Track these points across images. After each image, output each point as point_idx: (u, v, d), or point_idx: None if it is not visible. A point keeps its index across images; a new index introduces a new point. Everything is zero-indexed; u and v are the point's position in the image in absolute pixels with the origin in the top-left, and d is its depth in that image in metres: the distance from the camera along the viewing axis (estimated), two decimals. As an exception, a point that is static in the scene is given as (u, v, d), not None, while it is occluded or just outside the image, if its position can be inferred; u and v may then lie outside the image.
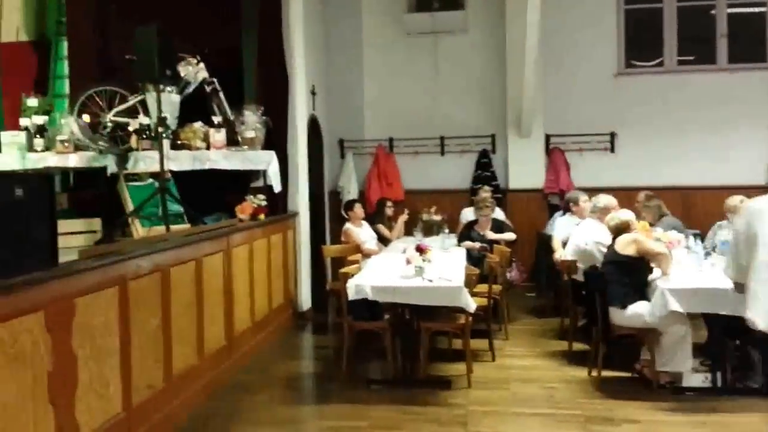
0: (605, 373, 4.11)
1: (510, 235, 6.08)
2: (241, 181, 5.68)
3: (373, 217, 6.80)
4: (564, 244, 5.37)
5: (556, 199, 7.58)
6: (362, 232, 6.18)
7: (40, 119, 5.07)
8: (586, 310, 4.69)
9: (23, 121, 5.13)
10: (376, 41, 8.18)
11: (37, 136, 4.99)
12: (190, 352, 3.75)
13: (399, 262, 4.58)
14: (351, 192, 7.69)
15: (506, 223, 6.43)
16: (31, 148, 4.96)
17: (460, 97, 8.10)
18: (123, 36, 5.13)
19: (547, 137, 7.88)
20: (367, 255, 5.64)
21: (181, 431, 3.44)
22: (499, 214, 6.61)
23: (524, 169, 7.90)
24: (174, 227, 4.44)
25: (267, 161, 5.57)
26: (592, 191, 5.78)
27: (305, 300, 6.22)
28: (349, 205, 6.39)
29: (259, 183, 5.71)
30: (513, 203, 7.80)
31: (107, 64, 6.18)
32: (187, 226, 4.70)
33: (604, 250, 4.43)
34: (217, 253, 4.32)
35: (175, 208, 4.79)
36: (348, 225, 6.20)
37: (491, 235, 5.99)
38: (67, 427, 2.50)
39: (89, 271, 2.76)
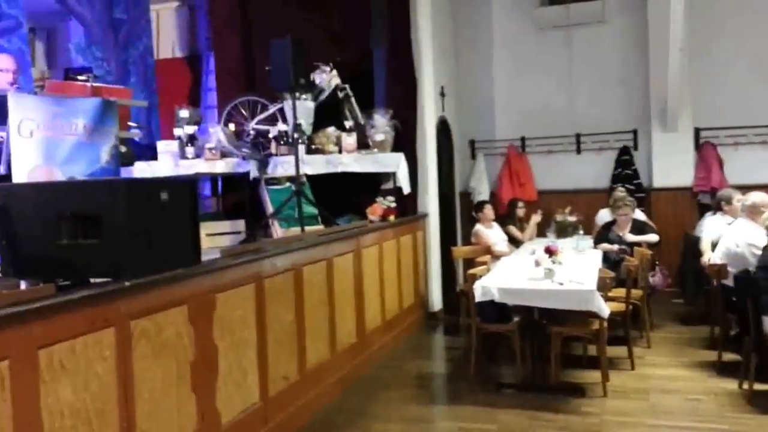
0: (758, 387, 3.70)
1: (652, 237, 5.67)
2: (372, 184, 5.81)
3: (504, 218, 6.66)
4: (714, 246, 4.91)
5: (706, 198, 6.96)
6: (492, 234, 6.07)
7: (191, 129, 5.51)
8: (738, 318, 4.25)
9: (176, 131, 5.60)
10: (507, 38, 8.00)
11: (188, 144, 5.43)
12: (322, 348, 3.89)
13: (528, 263, 4.43)
14: (482, 193, 7.58)
15: (648, 224, 6.01)
16: (183, 155, 5.40)
17: (598, 91, 7.69)
18: (264, 49, 5.47)
19: (697, 131, 7.25)
20: (497, 256, 5.53)
21: (314, 423, 3.57)
22: (639, 214, 6.19)
23: (670, 166, 7.33)
24: (309, 228, 4.64)
25: (396, 163, 5.64)
26: (747, 189, 5.23)
27: (436, 301, 6.22)
28: (479, 206, 6.31)
29: (389, 185, 5.80)
30: (657, 203, 7.27)
31: (250, 76, 6.59)
32: (320, 227, 4.89)
33: (758, 252, 4.00)
34: (348, 253, 4.44)
35: (310, 210, 5.00)
36: (478, 226, 6.12)
37: (631, 237, 5.63)
38: (209, 414, 2.68)
39: (229, 268, 2.95)
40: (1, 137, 3.26)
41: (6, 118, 3.15)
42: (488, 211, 6.14)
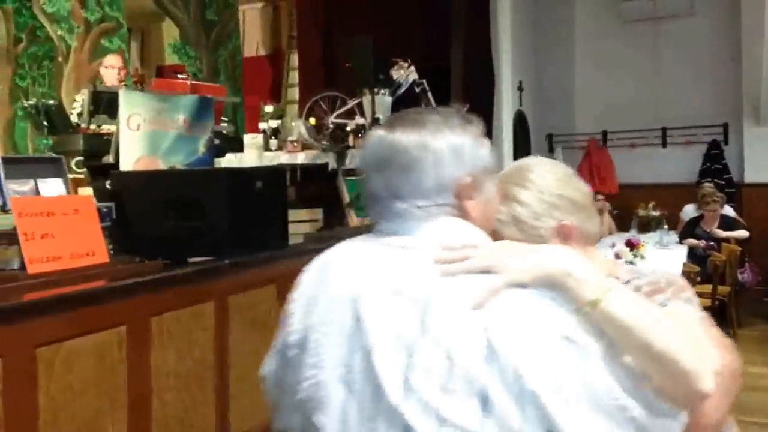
0: None
1: (742, 233, 5.49)
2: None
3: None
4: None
5: (801, 194, 6.63)
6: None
7: (274, 123, 5.79)
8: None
9: (261, 125, 5.90)
10: (589, 31, 7.87)
11: (272, 137, 5.71)
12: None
13: (608, 256, 4.41)
14: (559, 187, 7.50)
15: (738, 221, 5.81)
16: (267, 148, 5.69)
17: (685, 85, 7.45)
18: (344, 47, 5.66)
19: (792, 125, 6.92)
20: (574, 250, 5.49)
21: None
22: (728, 210, 5.99)
23: (763, 161, 7.01)
24: (385, 218, 4.79)
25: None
26: None
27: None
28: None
29: (465, 178, 5.87)
30: (748, 199, 6.98)
31: (331, 72, 6.82)
32: (396, 217, 5.03)
33: None
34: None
35: (386, 200, 5.15)
36: (554, 220, 6.08)
37: (720, 233, 5.47)
38: (294, 386, 2.87)
39: (313, 252, 3.11)
40: (112, 130, 3.58)
41: (116, 113, 3.45)
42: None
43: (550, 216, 1.18)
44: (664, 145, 7.47)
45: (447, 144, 1.01)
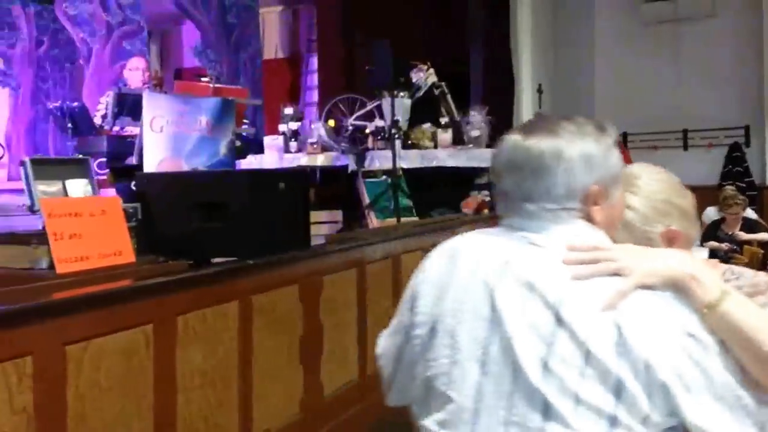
0: None
1: (764, 236, 5.44)
2: (466, 178, 5.90)
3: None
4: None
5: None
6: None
7: (294, 125, 5.83)
8: None
9: (281, 127, 5.94)
10: (610, 33, 7.82)
11: (292, 139, 5.75)
12: (417, 335, 4.02)
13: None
14: (578, 190, 7.47)
15: (760, 223, 5.75)
16: (287, 149, 5.73)
17: (706, 86, 7.38)
18: (364, 50, 5.69)
19: (815, 127, 6.82)
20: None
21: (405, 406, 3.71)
22: (750, 213, 5.93)
23: (785, 163, 6.94)
24: (404, 219, 4.81)
25: (491, 159, 5.70)
26: None
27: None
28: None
29: (483, 179, 5.86)
30: (770, 202, 6.90)
31: (350, 75, 6.85)
32: (415, 218, 5.05)
33: None
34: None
35: (405, 202, 5.16)
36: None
37: (743, 236, 5.42)
38: (314, 386, 2.88)
39: (335, 253, 3.15)
40: (135, 132, 3.63)
41: (140, 115, 3.50)
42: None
43: (659, 221, 1.27)
44: (686, 147, 7.40)
45: (579, 153, 1.08)
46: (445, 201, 5.69)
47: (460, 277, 1.11)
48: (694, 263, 1.06)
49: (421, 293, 1.16)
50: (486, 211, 5.54)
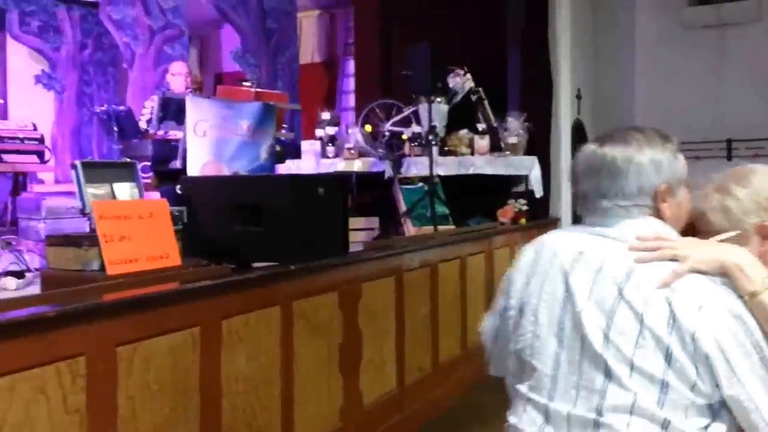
0: None
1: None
2: (502, 186, 5.84)
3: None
4: None
5: None
6: (628, 240, 5.88)
7: (331, 130, 5.85)
8: None
9: (318, 132, 5.97)
10: (650, 39, 7.68)
11: (329, 144, 5.77)
12: (454, 344, 4.00)
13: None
14: (616, 198, 7.34)
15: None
16: (324, 154, 5.75)
17: (752, 94, 7.17)
18: (401, 54, 5.68)
19: None
20: (633, 264, 5.36)
21: (445, 416, 3.69)
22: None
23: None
24: (441, 227, 4.78)
25: (529, 167, 5.64)
26: None
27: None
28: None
29: (521, 188, 5.80)
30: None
31: (387, 80, 6.86)
32: (452, 226, 5.01)
33: None
34: (479, 253, 4.52)
35: (442, 209, 5.13)
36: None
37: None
38: (353, 394, 2.88)
39: (373, 260, 3.15)
40: (179, 136, 3.69)
41: (183, 119, 3.55)
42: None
43: (757, 215, 1.37)
44: (729, 158, 7.20)
45: (648, 158, 1.28)
46: (481, 209, 5.65)
47: (543, 266, 1.32)
48: (745, 258, 1.19)
49: (513, 280, 1.38)
50: (523, 220, 5.48)
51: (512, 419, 1.34)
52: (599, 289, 1.20)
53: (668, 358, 1.13)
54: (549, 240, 1.38)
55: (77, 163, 2.43)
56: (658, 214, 1.28)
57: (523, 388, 1.31)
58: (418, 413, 3.43)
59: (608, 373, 1.16)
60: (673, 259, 1.19)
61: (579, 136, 7.04)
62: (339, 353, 2.78)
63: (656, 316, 1.14)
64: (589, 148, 1.33)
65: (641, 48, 7.66)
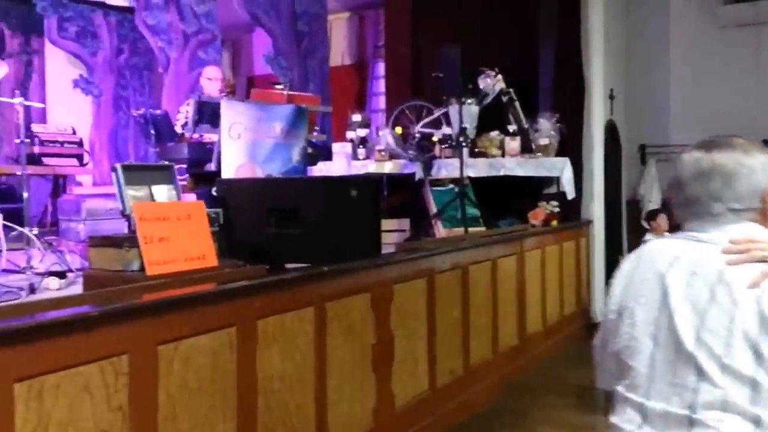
0: None
1: None
2: (534, 188, 5.80)
3: (679, 229, 6.29)
4: None
5: None
6: (663, 244, 5.78)
7: (362, 132, 5.88)
8: None
9: (349, 134, 6.01)
10: (685, 37, 7.54)
11: (360, 146, 5.80)
12: (485, 346, 3.98)
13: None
14: (652, 201, 7.22)
15: None
16: (355, 156, 5.78)
17: (790, 93, 7.01)
18: (431, 56, 5.68)
19: None
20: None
21: (476, 419, 3.68)
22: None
23: None
24: (471, 229, 4.77)
25: (560, 168, 5.59)
26: None
27: (599, 310, 6.05)
28: (652, 215, 6.03)
29: (552, 189, 5.75)
30: None
31: (418, 81, 6.86)
32: (482, 228, 4.99)
33: None
34: (510, 255, 4.50)
35: (473, 211, 5.12)
36: (649, 236, 5.86)
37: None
38: (385, 395, 2.89)
39: (405, 262, 3.16)
40: (213, 138, 3.75)
41: (218, 122, 3.61)
42: (662, 221, 5.84)
43: None
44: (767, 158, 7.05)
45: (758, 161, 1.32)
46: (512, 211, 5.61)
47: (641, 271, 1.38)
48: None
49: (615, 286, 1.44)
50: (555, 222, 5.43)
51: (613, 419, 1.39)
52: (692, 291, 1.26)
53: (758, 356, 1.16)
54: (648, 247, 1.45)
55: (118, 166, 2.49)
56: (766, 215, 1.33)
57: (621, 388, 1.36)
58: (449, 415, 3.43)
59: (700, 372, 1.20)
60: (764, 261, 1.23)
61: (612, 137, 6.95)
62: (371, 354, 2.80)
63: (746, 315, 1.18)
64: (694, 155, 1.37)
65: (675, 47, 7.52)
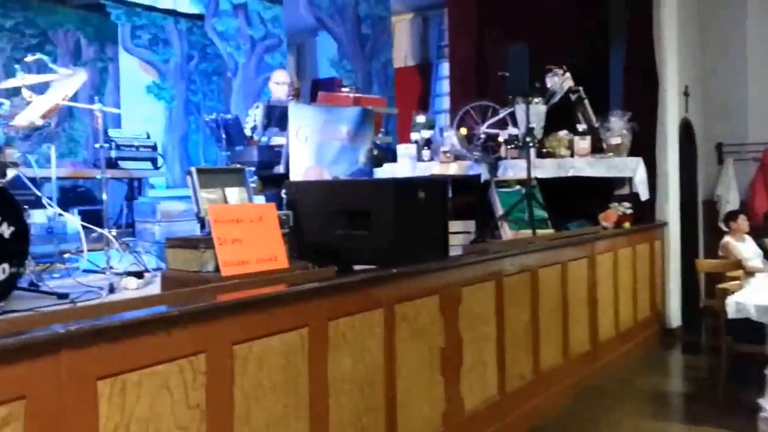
0: None
1: None
2: (604, 189, 5.61)
3: (760, 231, 5.97)
4: None
5: None
6: (745, 247, 5.49)
7: (427, 133, 5.83)
8: None
9: (413, 135, 5.97)
10: (762, 32, 7.15)
11: (425, 148, 5.76)
12: (555, 352, 3.88)
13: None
14: (730, 202, 6.89)
15: None
16: (419, 158, 5.74)
17: None
18: (495, 55, 5.59)
19: None
20: (750, 273, 5.00)
21: (547, 425, 3.59)
22: None
23: None
24: (539, 231, 4.65)
25: (633, 168, 5.39)
26: None
27: (674, 316, 5.80)
28: (732, 216, 5.74)
29: (624, 190, 5.55)
30: None
31: (482, 81, 6.76)
32: (551, 231, 4.87)
33: None
34: (581, 258, 4.37)
35: (540, 213, 4.99)
36: (728, 238, 5.58)
37: None
38: (454, 398, 2.86)
39: (473, 264, 3.11)
40: (281, 141, 3.81)
41: (286, 125, 3.66)
42: (742, 222, 5.56)
43: None
44: None
45: None
46: (582, 213, 5.45)
47: None
48: None
49: None
50: (627, 224, 5.25)
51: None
52: None
53: None
54: None
55: (192, 169, 2.56)
56: None
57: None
58: (519, 421, 3.36)
59: None
60: None
61: (687, 135, 6.66)
62: (440, 357, 2.77)
63: None
64: None
65: (753, 42, 7.15)
